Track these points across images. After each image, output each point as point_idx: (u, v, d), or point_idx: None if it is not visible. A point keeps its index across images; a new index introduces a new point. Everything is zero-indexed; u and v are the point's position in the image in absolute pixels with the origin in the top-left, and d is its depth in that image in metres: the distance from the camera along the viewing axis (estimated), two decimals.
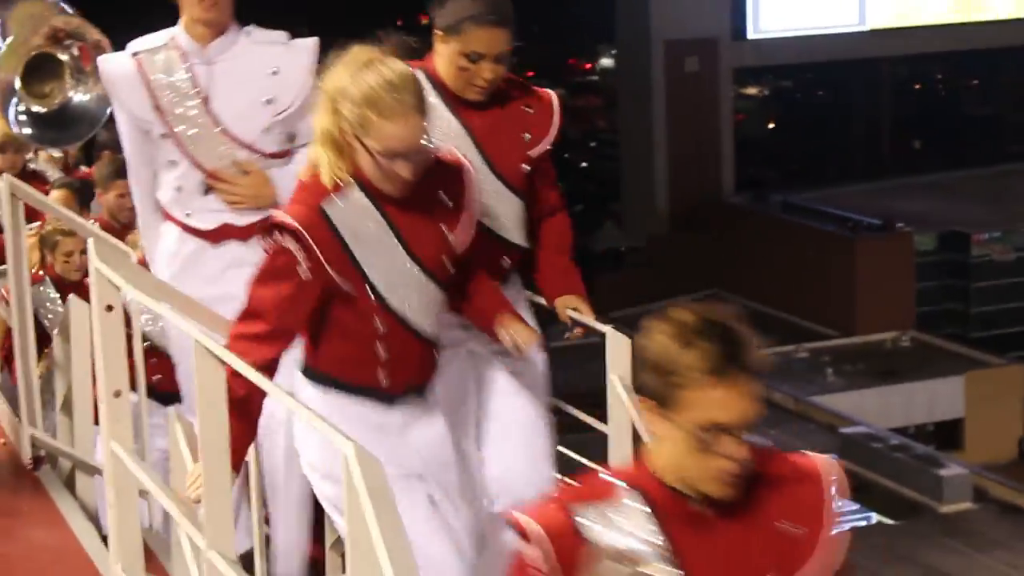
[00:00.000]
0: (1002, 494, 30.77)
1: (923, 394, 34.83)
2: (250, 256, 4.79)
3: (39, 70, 7.42)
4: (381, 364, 4.17)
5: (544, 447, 4.82)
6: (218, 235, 5.06)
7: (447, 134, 4.60)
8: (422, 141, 4.04)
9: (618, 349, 4.65)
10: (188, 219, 5.06)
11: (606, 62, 60.71)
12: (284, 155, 5.07)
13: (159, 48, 5.06)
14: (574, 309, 4.77)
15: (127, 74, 5.07)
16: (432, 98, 4.50)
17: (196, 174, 5.03)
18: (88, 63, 7.35)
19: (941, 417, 34.98)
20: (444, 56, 4.63)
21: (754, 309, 39.79)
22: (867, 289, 37.61)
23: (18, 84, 7.38)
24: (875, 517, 30.48)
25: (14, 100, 7.42)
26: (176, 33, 5.07)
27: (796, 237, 39.53)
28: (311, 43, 5.09)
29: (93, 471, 5.76)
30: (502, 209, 4.72)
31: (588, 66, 65.27)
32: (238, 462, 4.09)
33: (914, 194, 42.47)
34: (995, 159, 46.30)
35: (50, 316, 7.01)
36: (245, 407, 4.05)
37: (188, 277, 5.03)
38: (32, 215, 7.22)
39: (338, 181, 4.04)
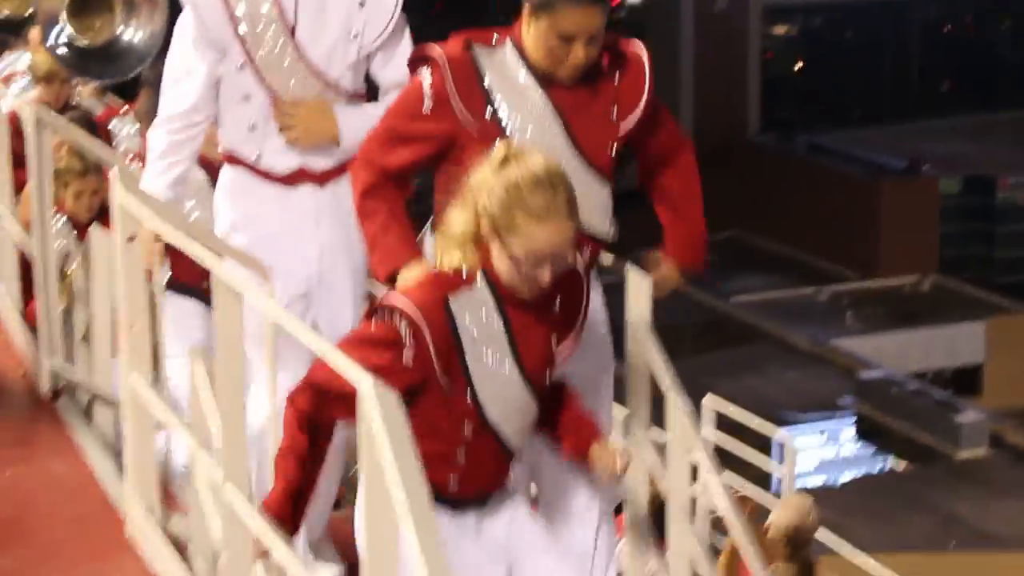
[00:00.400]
0: (1019, 441, 30.77)
1: (943, 339, 34.76)
2: (327, 203, 4.78)
3: (89, 2, 7.41)
4: (455, 470, 3.90)
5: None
6: (293, 179, 4.78)
7: (533, 114, 4.26)
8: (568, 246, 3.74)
9: (638, 288, 4.64)
10: (259, 161, 4.78)
11: None
12: (361, 96, 4.84)
13: None
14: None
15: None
16: (520, 73, 4.26)
17: (271, 110, 4.75)
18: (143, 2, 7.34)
19: (961, 363, 34.92)
20: (533, 34, 4.21)
21: (775, 251, 39.76)
22: (890, 232, 37.51)
23: (64, 15, 7.36)
24: (891, 461, 30.53)
25: (55, 28, 7.41)
26: None
27: (820, 179, 39.40)
28: None
29: (111, 403, 5.78)
30: (585, 196, 4.11)
31: (616, 2, 65.08)
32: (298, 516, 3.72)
33: (941, 136, 42.28)
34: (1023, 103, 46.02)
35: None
36: (311, 455, 3.74)
37: (259, 221, 4.80)
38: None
39: (468, 274, 3.76)
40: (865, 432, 31.29)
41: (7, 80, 9.38)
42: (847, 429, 31.58)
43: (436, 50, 4.26)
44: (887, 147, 40.63)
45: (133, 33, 7.42)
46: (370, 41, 4.75)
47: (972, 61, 49.29)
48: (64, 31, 7.43)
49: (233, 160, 4.84)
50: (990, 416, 31.02)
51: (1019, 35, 51.31)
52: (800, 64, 52.47)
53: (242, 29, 4.67)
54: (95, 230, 6.00)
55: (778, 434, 11.84)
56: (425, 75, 4.25)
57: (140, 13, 7.41)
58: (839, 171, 39.42)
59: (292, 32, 4.69)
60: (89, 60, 7.49)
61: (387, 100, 4.70)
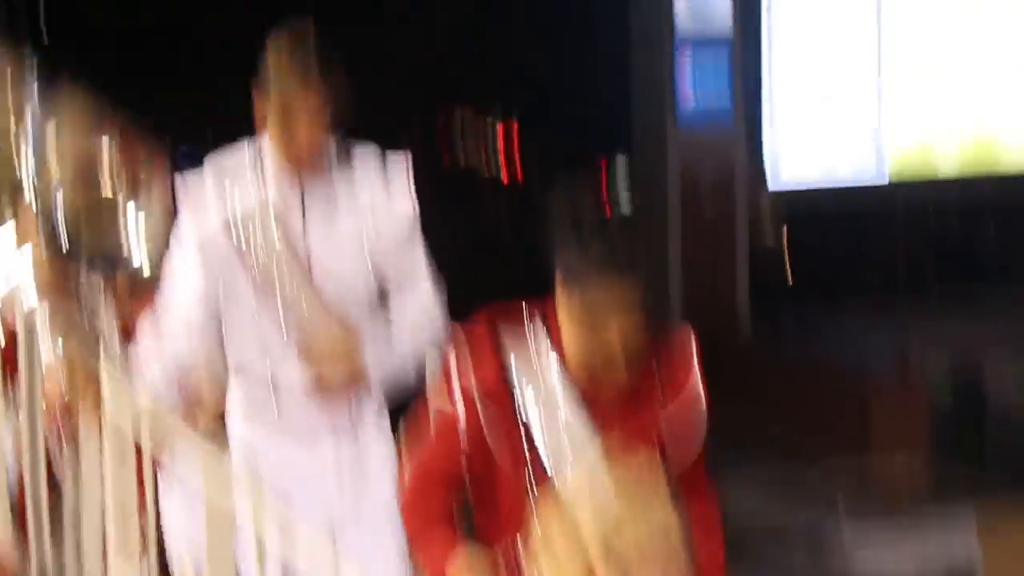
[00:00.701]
0: None
1: None
2: (343, 422, 4.58)
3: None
4: None
5: None
6: (311, 394, 4.55)
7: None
8: None
9: None
10: (275, 376, 4.56)
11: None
12: (382, 300, 4.60)
13: (242, 168, 4.53)
14: None
15: (205, 196, 4.51)
16: None
17: (279, 321, 4.50)
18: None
19: None
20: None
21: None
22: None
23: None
24: None
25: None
26: (263, 149, 4.55)
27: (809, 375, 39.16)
28: (401, 161, 4.61)
29: None
30: None
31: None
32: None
33: None
34: None
35: None
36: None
37: (273, 436, 4.61)
38: None
39: None
40: None
41: None
42: None
43: None
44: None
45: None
46: (381, 236, 4.51)
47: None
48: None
49: (242, 374, 4.66)
50: None
51: None
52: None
53: (242, 234, 4.46)
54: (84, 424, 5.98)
55: None
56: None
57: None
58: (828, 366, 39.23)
59: (295, 236, 4.47)
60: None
61: (406, 323, 4.57)
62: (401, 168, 4.56)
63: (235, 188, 4.48)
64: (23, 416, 6.20)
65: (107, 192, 7.38)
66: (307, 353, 4.46)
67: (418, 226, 4.59)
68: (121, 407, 4.77)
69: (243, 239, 4.46)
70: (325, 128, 4.43)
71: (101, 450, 4.96)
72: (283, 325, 4.47)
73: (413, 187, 4.55)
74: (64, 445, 6.77)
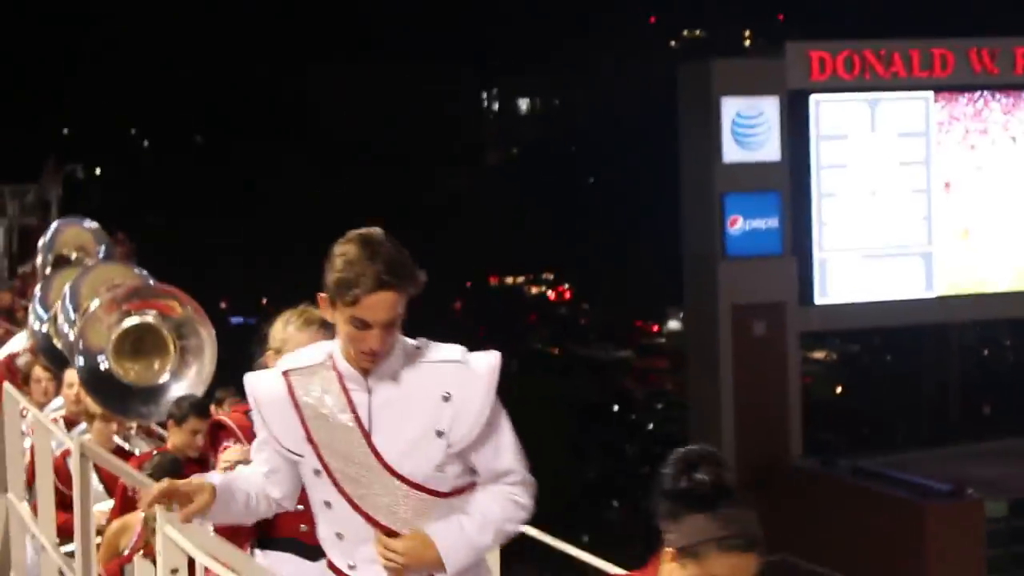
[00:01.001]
0: None
1: None
2: None
3: (141, 341, 7.61)
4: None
5: None
6: None
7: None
8: None
9: None
10: (353, 572, 4.55)
11: (673, 324, 61.07)
12: (461, 492, 4.53)
13: (315, 368, 4.49)
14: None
15: (277, 397, 4.50)
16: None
17: (357, 518, 4.47)
18: (192, 361, 7.51)
19: None
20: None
21: (823, 574, 39.26)
22: (937, 555, 37.04)
23: (108, 354, 7.54)
24: None
25: (97, 359, 7.57)
26: (334, 353, 4.51)
27: (865, 502, 39.10)
28: (491, 361, 4.52)
29: None
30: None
31: (656, 328, 65.64)
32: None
33: (985, 460, 42.05)
34: None
35: None
36: None
37: None
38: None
39: None
40: None
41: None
42: None
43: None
44: (931, 470, 40.42)
45: (180, 381, 7.60)
46: (460, 438, 4.44)
47: (1012, 384, 49.38)
48: (105, 365, 7.61)
49: (330, 565, 4.65)
50: None
51: None
52: (840, 388, 52.65)
53: (316, 433, 4.45)
54: (138, 561, 6.03)
55: None
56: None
57: (191, 364, 7.61)
58: (883, 494, 39.15)
59: (368, 435, 4.44)
60: (129, 398, 7.69)
61: (485, 507, 4.54)
62: (484, 368, 4.49)
63: (307, 388, 4.47)
64: (77, 532, 6.25)
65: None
66: (382, 554, 4.46)
67: (499, 423, 4.51)
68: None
69: (317, 439, 4.47)
70: (399, 329, 4.43)
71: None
72: (360, 516, 4.48)
73: (494, 388, 4.47)
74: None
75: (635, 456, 53.66)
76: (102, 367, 7.68)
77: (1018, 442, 44.23)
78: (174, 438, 7.97)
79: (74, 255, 11.72)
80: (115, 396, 7.69)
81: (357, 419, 4.42)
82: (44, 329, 9.46)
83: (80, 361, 7.80)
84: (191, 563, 4.84)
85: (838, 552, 38.56)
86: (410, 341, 4.50)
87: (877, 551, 37.81)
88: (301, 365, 4.52)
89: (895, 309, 43.81)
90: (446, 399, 4.41)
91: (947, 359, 49.11)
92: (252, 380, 4.61)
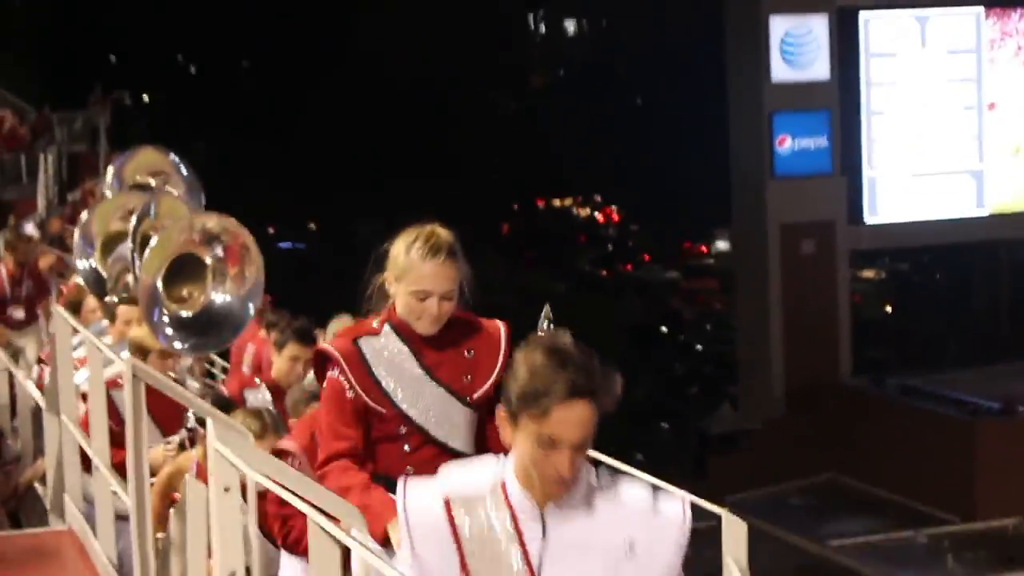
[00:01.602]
0: None
1: None
2: None
3: (179, 272, 7.54)
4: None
5: None
6: None
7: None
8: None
9: (734, 532, 4.63)
10: None
11: (722, 245, 60.89)
12: None
13: (480, 498, 3.92)
14: None
15: (433, 523, 3.92)
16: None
17: None
18: (233, 265, 7.45)
19: None
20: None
21: (872, 493, 39.25)
22: (987, 473, 36.97)
23: (160, 286, 7.48)
24: None
25: (157, 307, 7.51)
26: (506, 479, 3.95)
27: (914, 421, 39.01)
28: (684, 515, 3.93)
29: None
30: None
31: (704, 249, 65.48)
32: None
33: None
34: None
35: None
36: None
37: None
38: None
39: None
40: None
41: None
42: None
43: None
44: (980, 388, 40.27)
45: (225, 296, 7.50)
46: None
47: None
48: (163, 305, 7.56)
49: None
50: None
51: None
52: (890, 307, 52.43)
53: (474, 570, 3.85)
54: (189, 479, 6.07)
55: None
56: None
57: (231, 277, 7.54)
58: (933, 413, 39.05)
59: None
60: (187, 332, 7.63)
61: None
62: (676, 518, 3.94)
63: (470, 520, 3.88)
64: (129, 455, 6.30)
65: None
66: None
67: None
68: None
69: (472, 566, 3.87)
70: (587, 454, 3.90)
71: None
72: None
73: (686, 543, 3.88)
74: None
75: (684, 377, 53.67)
76: (160, 297, 7.62)
77: None
78: (276, 364, 8.17)
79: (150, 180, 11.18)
80: (180, 332, 7.64)
81: (528, 563, 3.84)
82: (91, 264, 9.43)
83: (141, 294, 7.72)
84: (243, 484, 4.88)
85: (887, 471, 38.54)
86: (592, 472, 3.96)
87: (926, 470, 37.77)
88: (463, 492, 3.92)
89: (945, 227, 43.54)
90: (631, 549, 3.86)
91: (997, 277, 48.82)
92: (407, 498, 3.95)
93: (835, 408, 41.14)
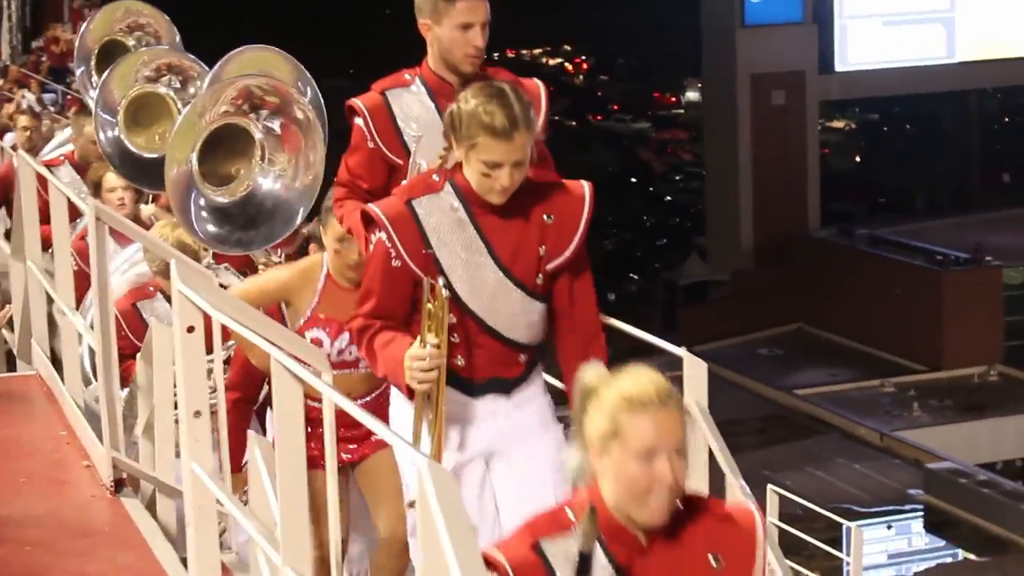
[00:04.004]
0: None
1: (1012, 429, 34.40)
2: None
3: (223, 146, 6.14)
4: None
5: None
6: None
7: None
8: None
9: (695, 373, 4.64)
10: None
11: (692, 95, 60.66)
12: None
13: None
14: None
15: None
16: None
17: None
18: (290, 146, 6.13)
19: None
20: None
21: (839, 343, 39.54)
22: (955, 323, 37.23)
23: (195, 166, 6.08)
24: (961, 554, 30.13)
25: (193, 194, 6.14)
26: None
27: (882, 271, 39.21)
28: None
29: (174, 493, 5.80)
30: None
31: (673, 99, 65.19)
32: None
33: (1003, 228, 42.04)
34: None
35: None
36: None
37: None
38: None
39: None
40: (935, 524, 30.92)
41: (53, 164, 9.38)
42: (916, 522, 31.22)
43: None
44: (949, 239, 40.46)
45: (275, 183, 6.14)
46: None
47: None
48: (199, 188, 6.12)
49: None
50: None
51: None
52: (859, 158, 52.45)
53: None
54: (154, 323, 6.05)
55: (846, 525, 11.74)
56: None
57: (288, 160, 6.16)
58: (901, 263, 39.23)
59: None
60: (229, 224, 6.20)
61: None
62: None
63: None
64: (94, 298, 6.27)
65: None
66: None
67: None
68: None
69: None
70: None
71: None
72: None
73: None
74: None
75: (652, 228, 53.70)
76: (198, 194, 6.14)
77: None
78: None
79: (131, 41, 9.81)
80: (219, 223, 6.19)
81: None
82: (115, 133, 8.02)
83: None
84: (207, 322, 4.85)
85: (855, 322, 38.77)
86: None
87: (895, 320, 38.02)
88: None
89: (916, 76, 43.42)
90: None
91: (967, 127, 48.84)
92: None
93: (803, 259, 41.30)
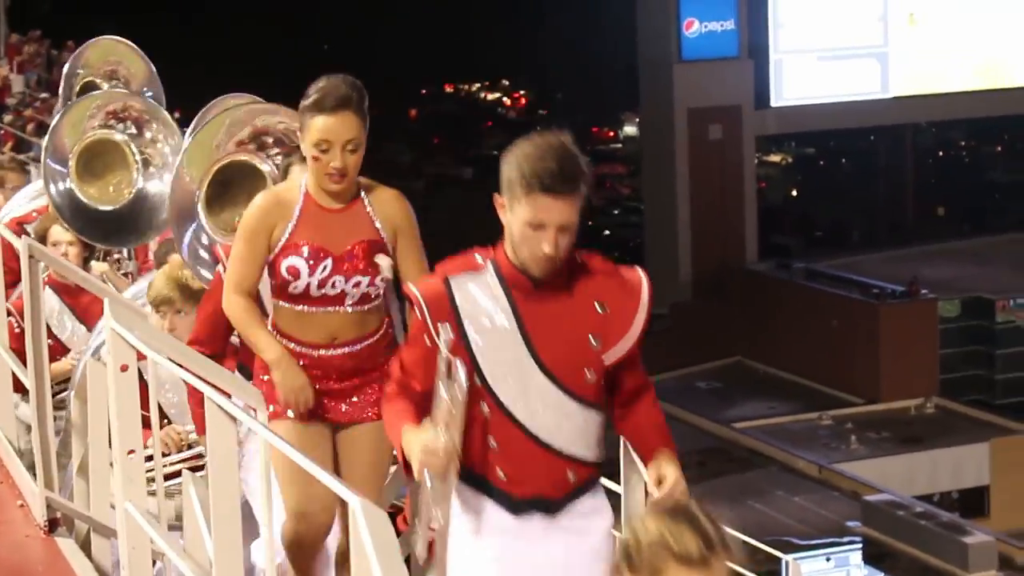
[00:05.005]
0: None
1: (948, 461, 34.63)
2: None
3: (228, 184, 5.98)
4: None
5: None
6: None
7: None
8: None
9: None
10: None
11: (630, 130, 60.91)
12: None
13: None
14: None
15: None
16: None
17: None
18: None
19: (966, 484, 34.76)
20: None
21: (777, 376, 39.72)
22: (891, 356, 37.48)
23: (201, 206, 5.95)
24: None
25: (193, 226, 6.00)
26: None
27: (819, 304, 39.45)
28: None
29: (109, 533, 5.74)
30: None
31: (612, 134, 65.47)
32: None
33: (938, 260, 42.41)
34: (1019, 225, 46.22)
35: None
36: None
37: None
38: None
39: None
40: (873, 556, 31.06)
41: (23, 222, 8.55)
42: (854, 554, 31.35)
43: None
44: (885, 272, 40.76)
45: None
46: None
47: (966, 186, 49.60)
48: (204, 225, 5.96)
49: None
50: (999, 537, 30.80)
51: (1011, 160, 51.67)
52: (795, 192, 52.72)
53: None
54: (90, 362, 6.00)
55: (785, 558, 11.72)
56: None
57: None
58: (838, 296, 39.49)
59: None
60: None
61: None
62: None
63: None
64: (28, 335, 6.21)
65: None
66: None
67: None
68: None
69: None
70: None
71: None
72: None
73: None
74: None
75: None
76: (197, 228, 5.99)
77: (971, 243, 44.61)
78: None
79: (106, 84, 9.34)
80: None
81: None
82: (67, 184, 7.61)
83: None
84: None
85: (793, 354, 38.95)
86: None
87: (833, 353, 38.23)
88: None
89: (851, 111, 43.78)
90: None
91: (902, 161, 49.23)
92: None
93: (741, 292, 41.48)
